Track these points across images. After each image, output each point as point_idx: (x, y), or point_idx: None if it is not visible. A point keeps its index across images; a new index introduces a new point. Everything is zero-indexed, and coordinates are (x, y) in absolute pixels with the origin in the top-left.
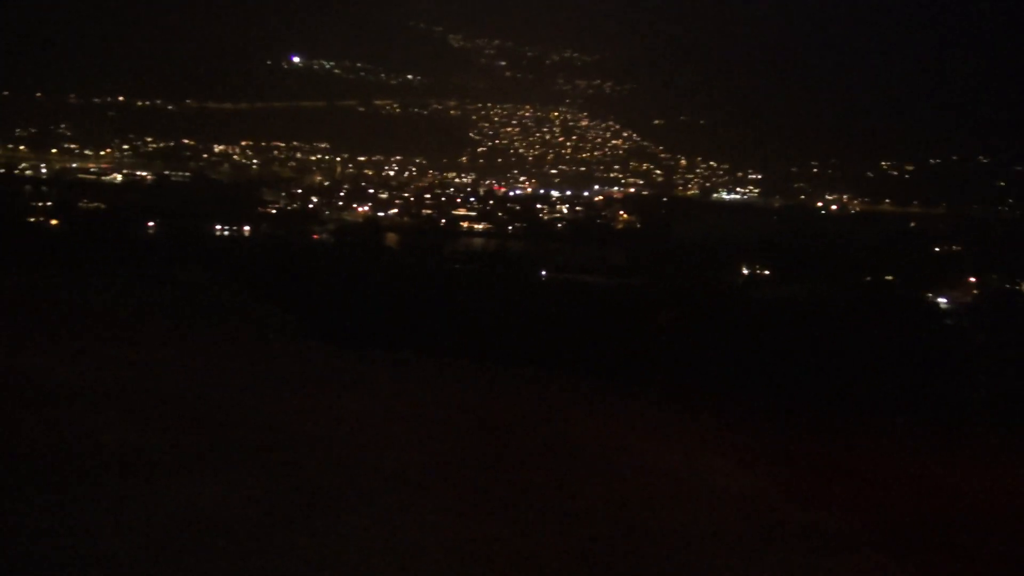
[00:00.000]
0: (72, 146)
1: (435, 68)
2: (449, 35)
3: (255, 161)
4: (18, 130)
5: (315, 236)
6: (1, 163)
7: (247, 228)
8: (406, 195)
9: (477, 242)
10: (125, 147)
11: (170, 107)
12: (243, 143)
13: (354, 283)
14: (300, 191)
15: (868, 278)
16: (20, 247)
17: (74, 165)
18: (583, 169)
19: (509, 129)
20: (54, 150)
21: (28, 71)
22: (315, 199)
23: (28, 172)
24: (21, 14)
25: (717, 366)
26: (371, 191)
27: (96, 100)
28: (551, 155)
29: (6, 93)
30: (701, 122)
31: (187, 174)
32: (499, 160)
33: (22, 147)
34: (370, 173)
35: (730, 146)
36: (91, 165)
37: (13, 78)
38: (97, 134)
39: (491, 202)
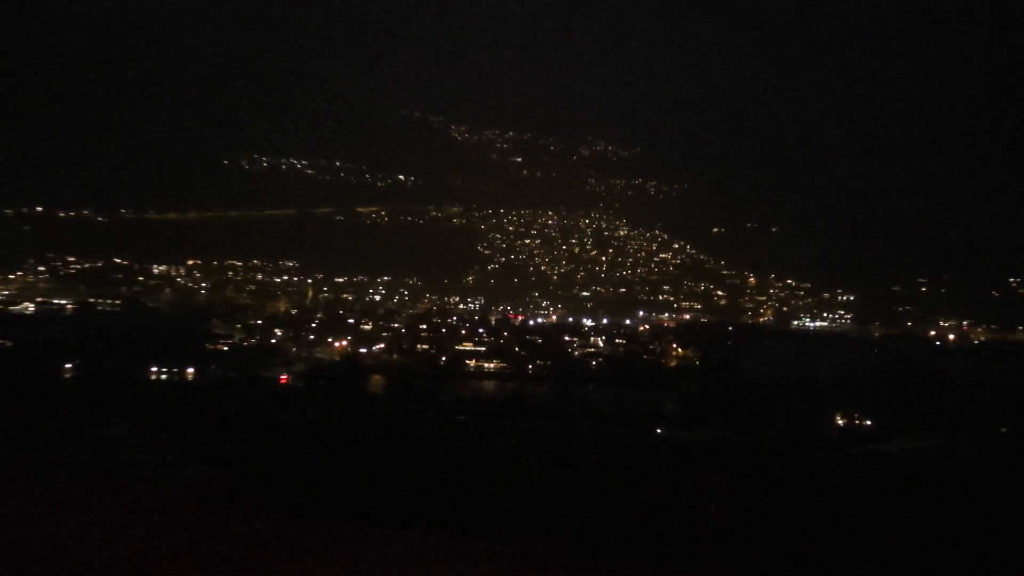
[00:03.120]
0: None
1: (434, 167)
2: (452, 126)
3: (204, 284)
4: None
5: (282, 379)
6: None
7: (191, 370)
8: (396, 325)
9: (488, 386)
10: (41, 268)
11: (100, 219)
12: (189, 262)
13: (325, 441)
14: (260, 322)
15: (1004, 428)
16: None
17: None
18: (623, 291)
19: (527, 241)
20: None
21: None
22: (279, 332)
23: None
24: None
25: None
26: (351, 321)
27: (7, 211)
28: (582, 273)
29: None
30: (773, 230)
31: (117, 301)
32: (515, 280)
33: None
34: (350, 298)
35: (812, 260)
36: None
37: None
38: (7, 253)
39: (505, 333)
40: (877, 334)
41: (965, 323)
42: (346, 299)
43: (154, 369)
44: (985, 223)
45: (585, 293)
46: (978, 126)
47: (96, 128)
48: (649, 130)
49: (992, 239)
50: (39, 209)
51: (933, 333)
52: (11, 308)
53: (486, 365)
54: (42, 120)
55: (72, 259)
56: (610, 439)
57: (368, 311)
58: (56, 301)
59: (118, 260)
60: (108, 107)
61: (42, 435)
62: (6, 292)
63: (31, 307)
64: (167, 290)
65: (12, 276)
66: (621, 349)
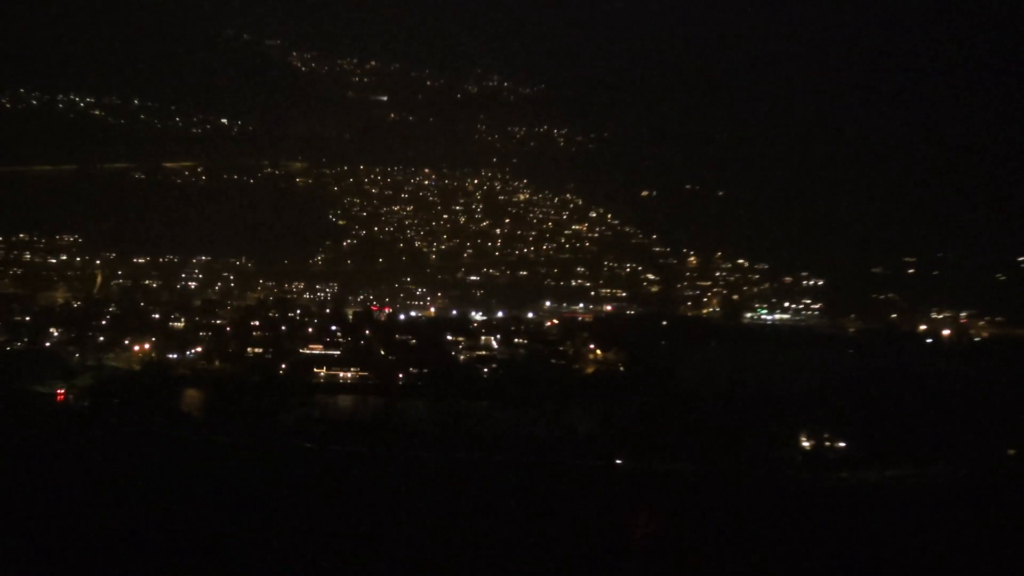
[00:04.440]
0: None
1: (269, 107)
2: (292, 52)
3: None
4: None
5: (59, 394)
6: None
7: None
8: (218, 322)
9: (344, 402)
10: None
11: None
12: None
13: (114, 481)
14: (29, 318)
15: (1013, 451)
16: None
17: None
18: (524, 274)
19: (396, 208)
20: None
21: None
22: (56, 332)
23: None
24: None
25: None
26: (157, 316)
27: None
28: (469, 251)
29: None
30: (720, 193)
31: None
32: (380, 261)
33: None
34: (155, 286)
35: (771, 234)
36: None
37: None
38: None
39: (367, 332)
40: (852, 329)
41: (963, 315)
42: (149, 287)
43: None
44: (988, 187)
45: (474, 277)
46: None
47: None
48: (558, 60)
49: (998, 208)
50: None
51: (923, 328)
52: None
53: (341, 374)
54: None
55: None
56: (505, 473)
57: (180, 303)
58: None
59: None
60: None
61: None
62: None
63: None
64: None
65: None
66: (522, 351)
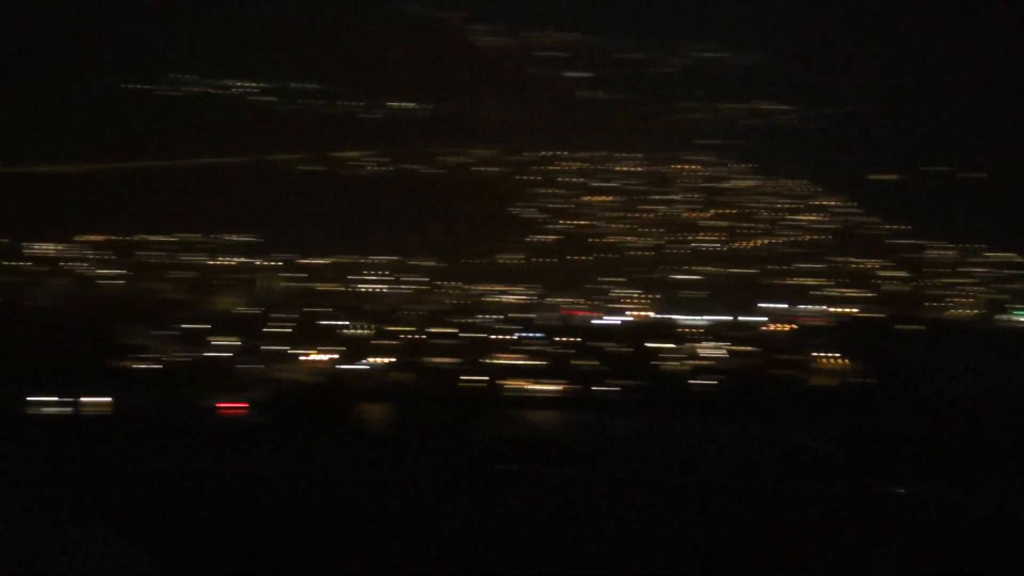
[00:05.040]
0: None
1: (451, 89)
2: (471, 26)
3: (107, 270)
4: None
5: (228, 408)
6: None
7: (91, 398)
8: (401, 329)
9: (541, 418)
10: None
11: None
12: (84, 237)
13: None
14: (195, 325)
15: None
16: None
17: None
18: (744, 272)
19: (595, 198)
20: None
21: None
22: (223, 340)
23: None
24: None
25: None
26: (333, 323)
27: None
28: (678, 246)
29: None
30: (979, 176)
31: None
32: (577, 258)
33: None
34: (331, 289)
35: None
36: None
37: None
38: None
39: (564, 338)
40: None
41: None
42: (325, 290)
43: (37, 398)
44: None
45: (684, 276)
46: None
47: None
48: (781, 24)
49: None
50: None
51: None
52: None
53: (537, 386)
54: None
55: None
56: (723, 498)
57: (358, 308)
58: None
59: None
60: None
61: None
62: None
63: None
64: (56, 280)
65: None
66: (741, 360)
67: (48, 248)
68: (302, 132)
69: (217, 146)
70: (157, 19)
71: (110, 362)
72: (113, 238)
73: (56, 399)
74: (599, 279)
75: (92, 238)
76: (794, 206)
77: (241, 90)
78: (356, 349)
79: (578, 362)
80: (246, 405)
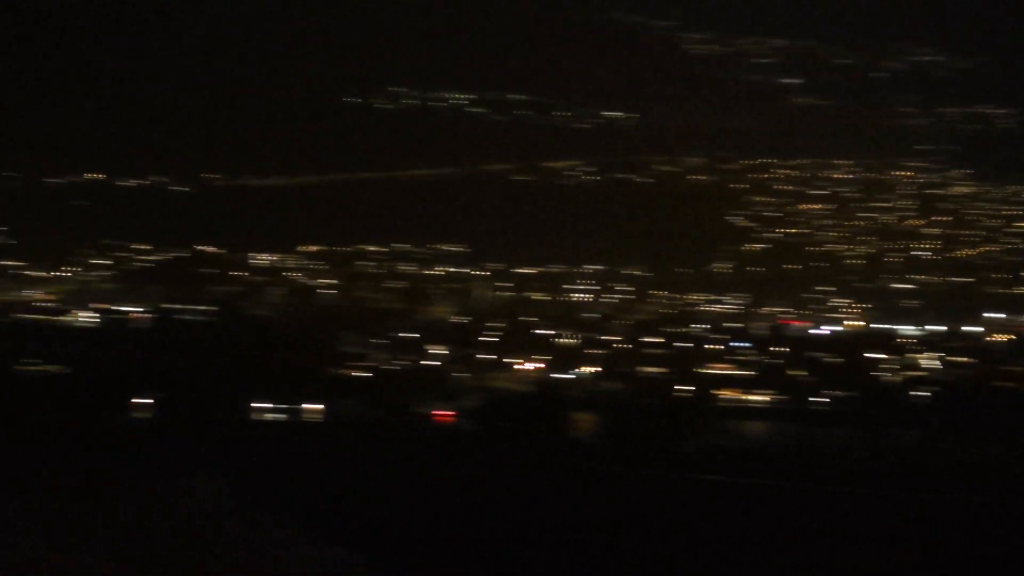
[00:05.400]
0: (9, 262)
1: (660, 98)
2: (683, 34)
3: (326, 281)
4: None
5: (440, 416)
6: None
7: (310, 405)
8: (611, 338)
9: (754, 428)
10: (99, 262)
11: (178, 187)
12: (305, 248)
13: (507, 513)
14: (410, 334)
15: None
16: None
17: (15, 296)
18: (962, 281)
19: (810, 207)
20: None
21: None
22: (437, 349)
23: None
24: None
25: None
26: (544, 332)
27: (52, 180)
28: (895, 254)
29: None
30: None
31: (206, 308)
32: (792, 267)
33: None
34: (541, 298)
35: None
36: (40, 295)
37: None
38: (52, 239)
39: (778, 348)
40: None
41: None
42: (536, 299)
43: (259, 405)
44: None
45: (901, 285)
46: None
47: (168, 63)
48: (1000, 27)
49: None
50: (96, 176)
51: None
52: (58, 319)
53: (750, 397)
54: (96, 60)
55: (142, 247)
56: (952, 516)
57: (568, 317)
58: (120, 308)
59: (205, 247)
60: (182, 31)
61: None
62: (51, 297)
63: (87, 316)
64: (276, 290)
65: (60, 272)
66: (963, 371)
67: (270, 258)
68: (514, 142)
69: (432, 157)
70: (375, 33)
71: (327, 369)
72: (331, 248)
73: (275, 405)
74: (813, 288)
75: (311, 248)
76: (1016, 213)
77: (456, 102)
78: (565, 358)
79: (791, 372)
80: (456, 413)
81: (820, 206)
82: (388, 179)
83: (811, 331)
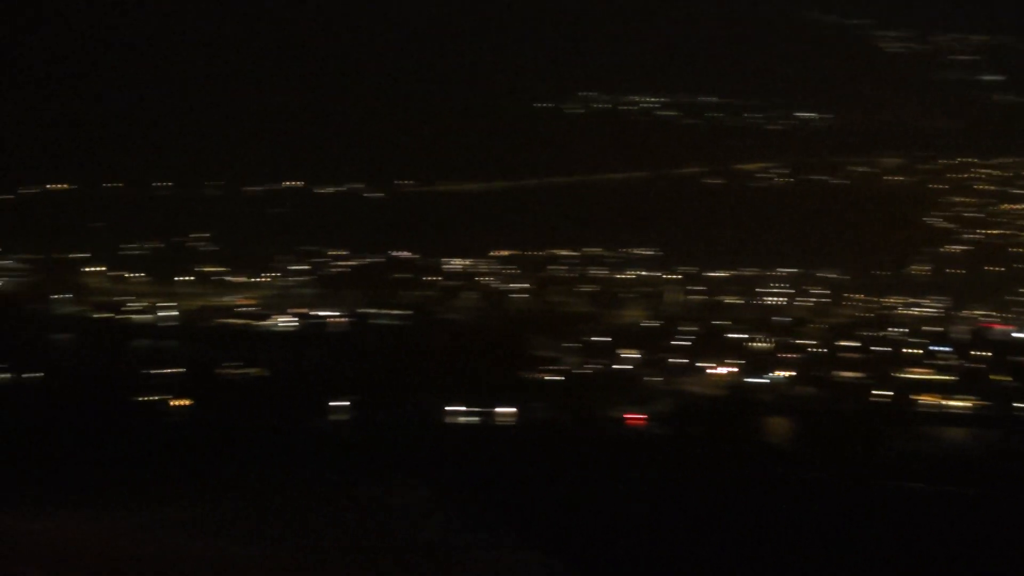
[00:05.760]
0: (211, 268)
1: (856, 97)
2: (878, 32)
3: (518, 285)
4: (128, 245)
5: (632, 420)
6: (102, 302)
7: (503, 408)
8: (806, 342)
9: (955, 435)
10: (297, 267)
11: (373, 194)
12: (496, 253)
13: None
14: (602, 338)
15: None
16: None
17: (217, 301)
18: None
19: (1013, 207)
20: (183, 276)
21: (144, 151)
22: (630, 353)
23: (142, 315)
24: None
25: None
26: (737, 336)
27: (250, 188)
28: None
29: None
30: None
31: (401, 312)
32: (994, 269)
33: (133, 273)
34: (733, 302)
35: None
36: (241, 300)
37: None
38: (251, 246)
39: (980, 352)
40: None
41: None
42: (728, 303)
43: (452, 408)
44: None
45: None
46: None
47: (365, 74)
48: None
49: None
50: (294, 184)
51: None
52: (258, 323)
53: (951, 402)
54: (296, 74)
55: (339, 252)
56: None
57: (761, 320)
58: (318, 312)
59: (399, 253)
60: (371, 38)
61: (305, 505)
62: (252, 302)
63: (286, 321)
64: (468, 294)
65: (259, 279)
66: None
67: (463, 263)
68: (706, 145)
69: (623, 161)
70: (566, 38)
71: (519, 373)
72: (523, 253)
73: (468, 409)
74: (1017, 290)
75: (503, 253)
76: None
77: (647, 105)
78: (758, 362)
79: (994, 377)
80: (647, 417)
81: (1022, 207)
82: (579, 183)
83: (1014, 334)
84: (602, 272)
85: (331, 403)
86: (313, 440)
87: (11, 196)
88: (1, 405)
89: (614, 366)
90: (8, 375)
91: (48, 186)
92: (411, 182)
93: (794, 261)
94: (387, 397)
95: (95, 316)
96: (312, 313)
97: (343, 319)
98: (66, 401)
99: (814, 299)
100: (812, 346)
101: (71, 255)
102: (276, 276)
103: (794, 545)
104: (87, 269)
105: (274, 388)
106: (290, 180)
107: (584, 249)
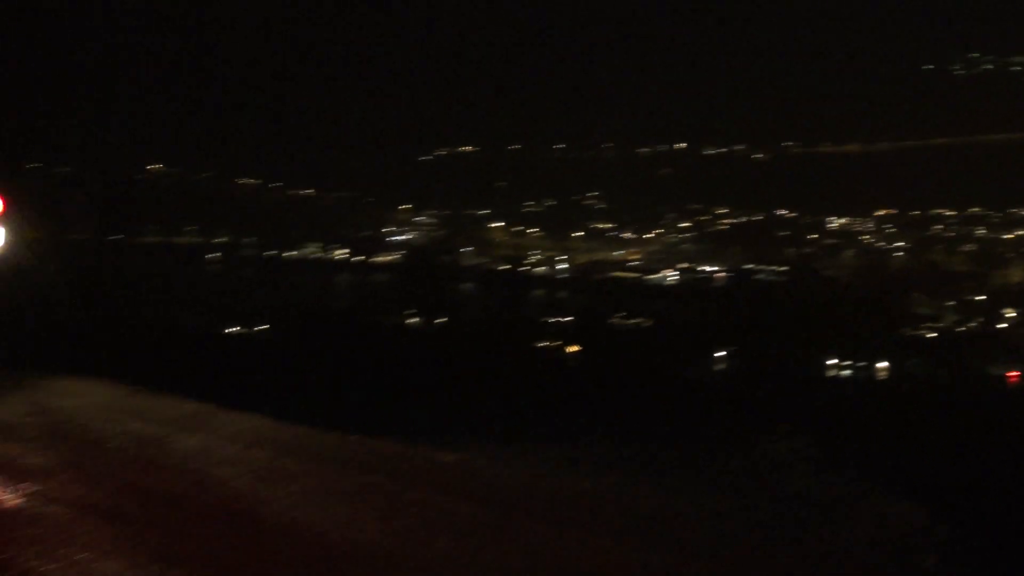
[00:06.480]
0: (602, 225)
1: None
2: None
3: (899, 244)
4: (527, 203)
5: (1012, 376)
6: (504, 255)
7: (882, 364)
8: None
9: None
10: (683, 225)
11: (756, 155)
12: (879, 212)
13: None
14: (984, 298)
15: None
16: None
17: (607, 256)
18: None
19: None
20: (577, 232)
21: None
22: (1012, 313)
23: (539, 268)
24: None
25: None
26: None
27: (642, 149)
28: None
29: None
30: None
31: (781, 268)
32: None
33: (531, 228)
34: None
35: None
36: (629, 254)
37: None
38: (641, 205)
39: None
40: None
41: None
42: None
43: (831, 362)
44: None
45: None
46: None
47: (701, 40)
48: None
49: None
50: (681, 146)
51: None
52: (647, 277)
53: None
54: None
55: (722, 211)
56: None
57: None
58: (701, 267)
59: (782, 212)
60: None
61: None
62: (640, 257)
63: (672, 275)
64: (848, 252)
65: (649, 235)
66: None
67: (843, 222)
68: None
69: (1008, 122)
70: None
71: (897, 330)
72: (905, 213)
73: (850, 363)
74: None
75: (884, 212)
76: None
77: None
78: None
79: None
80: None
81: None
82: (963, 144)
83: None
84: (983, 232)
85: (713, 354)
86: (696, 388)
87: (429, 157)
88: (414, 346)
89: (996, 325)
90: (418, 319)
91: (458, 148)
92: (795, 144)
93: None
94: (766, 349)
95: (497, 268)
96: (695, 268)
97: (725, 274)
98: (471, 345)
99: None
100: None
101: (477, 212)
102: (662, 233)
103: None
104: (491, 225)
105: (658, 337)
106: (678, 142)
107: (968, 209)
